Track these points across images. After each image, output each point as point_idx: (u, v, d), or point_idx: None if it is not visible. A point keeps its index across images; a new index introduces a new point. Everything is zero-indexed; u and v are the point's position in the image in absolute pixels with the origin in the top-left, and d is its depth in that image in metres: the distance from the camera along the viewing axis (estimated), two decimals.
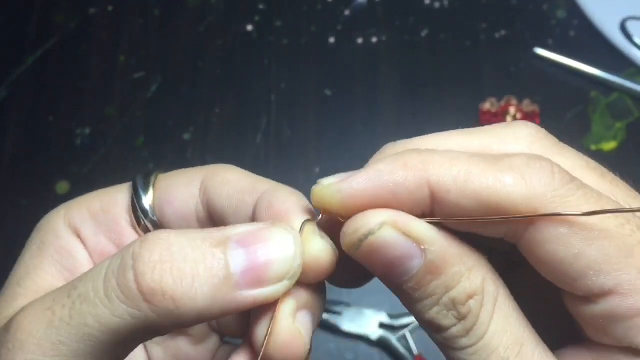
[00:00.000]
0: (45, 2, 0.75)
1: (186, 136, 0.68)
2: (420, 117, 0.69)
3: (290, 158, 0.67)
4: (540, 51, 0.70)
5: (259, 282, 0.27)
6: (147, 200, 0.34)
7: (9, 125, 0.69)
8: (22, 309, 0.29)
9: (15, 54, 0.72)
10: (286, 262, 0.28)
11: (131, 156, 0.68)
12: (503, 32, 0.72)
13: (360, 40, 0.73)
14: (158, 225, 0.34)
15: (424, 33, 0.73)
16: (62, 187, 0.66)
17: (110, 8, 0.75)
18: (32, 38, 0.73)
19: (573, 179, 0.27)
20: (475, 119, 0.68)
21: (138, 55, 0.72)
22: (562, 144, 0.32)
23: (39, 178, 0.67)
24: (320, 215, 0.29)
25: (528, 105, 0.68)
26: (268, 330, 0.28)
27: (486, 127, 0.31)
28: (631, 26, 0.70)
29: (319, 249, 0.29)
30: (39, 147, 0.68)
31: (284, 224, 0.29)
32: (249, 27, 0.74)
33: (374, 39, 0.73)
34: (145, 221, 0.34)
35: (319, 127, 0.69)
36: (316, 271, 0.29)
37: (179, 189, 0.34)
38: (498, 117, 0.67)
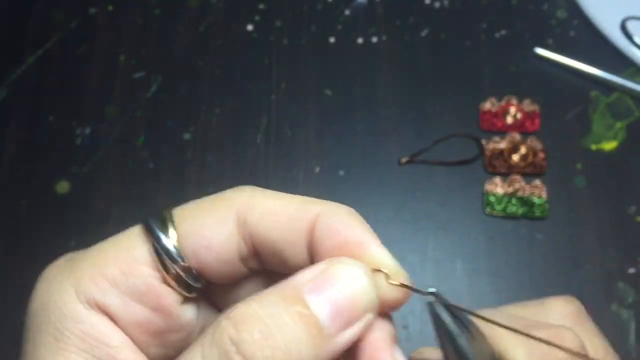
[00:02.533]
0: (45, 2, 0.75)
1: (186, 136, 0.68)
2: (420, 117, 0.69)
3: (290, 158, 0.67)
4: (541, 51, 0.70)
5: (347, 322, 0.27)
6: (170, 242, 0.30)
7: (8, 125, 0.69)
8: None
9: (15, 54, 0.72)
10: (365, 294, 0.27)
11: (131, 156, 0.68)
12: (503, 32, 0.72)
13: (360, 40, 0.73)
14: (192, 272, 0.30)
15: (424, 33, 0.73)
16: (62, 187, 0.66)
17: (110, 8, 0.75)
18: (32, 38, 0.73)
19: None
20: (476, 118, 0.68)
21: (138, 55, 0.72)
22: (589, 324, 0.37)
23: (39, 178, 0.67)
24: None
25: (528, 105, 0.68)
26: None
27: (530, 302, 0.37)
28: (631, 26, 0.70)
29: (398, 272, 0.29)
30: (39, 147, 0.68)
31: (344, 258, 0.28)
32: (249, 27, 0.74)
33: (374, 39, 0.73)
34: (175, 267, 0.29)
35: (319, 127, 0.69)
36: (392, 304, 0.29)
37: (213, 228, 0.30)
38: (498, 116, 0.67)
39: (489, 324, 0.31)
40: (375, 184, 0.66)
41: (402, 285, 0.30)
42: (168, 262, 0.29)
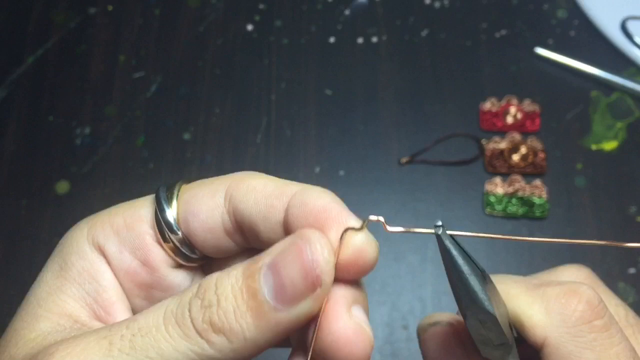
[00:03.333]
0: (45, 2, 0.75)
1: (186, 136, 0.68)
2: (420, 116, 0.69)
3: (290, 158, 0.67)
4: (541, 51, 0.70)
5: (293, 297, 0.27)
6: (171, 213, 0.33)
7: (8, 125, 0.69)
8: (63, 342, 0.28)
9: (15, 54, 0.72)
10: (313, 268, 0.28)
11: (131, 156, 0.68)
12: (503, 32, 0.72)
13: (360, 40, 0.73)
14: (184, 240, 0.33)
15: (424, 33, 0.73)
16: (62, 186, 0.66)
17: (110, 8, 0.74)
18: (32, 37, 0.73)
19: (592, 319, 0.30)
20: (476, 118, 0.68)
21: (138, 55, 0.72)
22: (603, 287, 0.36)
23: (39, 178, 0.67)
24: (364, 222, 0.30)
25: (529, 105, 0.68)
26: (314, 334, 0.28)
27: (538, 275, 0.37)
28: (631, 26, 0.70)
29: (363, 241, 0.30)
30: (39, 146, 0.68)
31: (304, 231, 0.29)
32: (249, 27, 0.74)
33: (374, 39, 0.73)
34: (171, 236, 0.33)
35: (319, 127, 0.69)
36: (361, 265, 0.30)
37: (204, 199, 0.33)
38: (498, 116, 0.67)
39: (502, 281, 0.32)
40: (375, 184, 0.66)
41: (404, 231, 0.31)
42: (166, 230, 0.32)
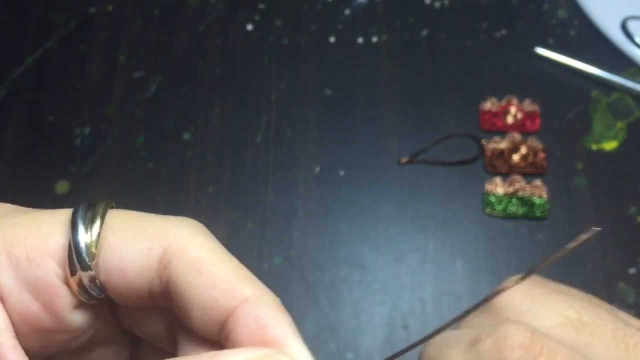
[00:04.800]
0: (44, 2, 0.75)
1: (186, 136, 0.68)
2: (420, 116, 0.69)
3: (290, 158, 0.67)
4: (541, 51, 0.70)
5: None
6: (87, 245, 0.27)
7: (8, 125, 0.69)
8: None
9: (15, 54, 0.72)
10: None
11: (131, 156, 0.68)
12: (503, 32, 0.72)
13: (360, 40, 0.73)
14: (97, 283, 0.28)
15: (424, 33, 0.73)
16: (62, 186, 0.66)
17: (110, 7, 0.74)
18: (32, 37, 0.73)
19: None
20: (476, 118, 0.68)
21: (138, 55, 0.72)
22: (543, 296, 0.34)
23: (39, 178, 0.67)
24: None
25: (529, 105, 0.68)
26: None
27: (480, 309, 0.33)
28: (632, 26, 0.70)
29: None
30: (39, 146, 0.68)
31: (285, 355, 0.26)
32: (249, 27, 0.73)
33: (374, 39, 0.72)
34: (83, 276, 0.27)
35: (319, 127, 0.69)
36: None
37: (135, 256, 0.27)
38: (499, 116, 0.67)
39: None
40: (375, 184, 0.66)
41: None
42: (77, 266, 0.27)
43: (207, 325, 0.27)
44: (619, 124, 0.67)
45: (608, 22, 0.70)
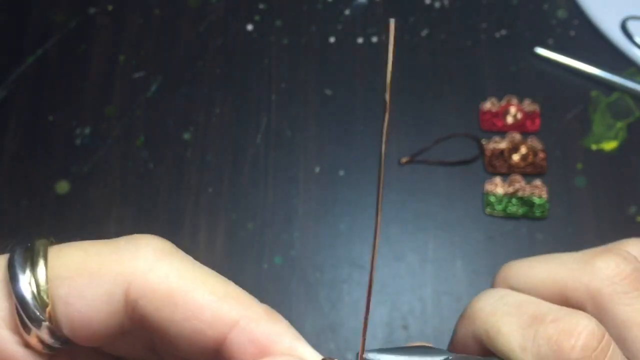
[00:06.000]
0: (45, 2, 0.75)
1: (186, 136, 0.68)
2: (420, 117, 0.69)
3: (290, 158, 0.67)
4: (541, 51, 0.70)
5: None
6: (28, 293, 0.23)
7: (8, 125, 0.69)
8: None
9: (15, 54, 0.72)
10: None
11: (131, 156, 0.68)
12: (503, 32, 0.72)
13: (360, 40, 0.73)
14: (57, 334, 0.24)
15: (424, 33, 0.73)
16: (62, 187, 0.66)
17: (110, 8, 0.74)
18: (32, 38, 0.73)
19: None
20: (476, 118, 0.68)
21: (138, 55, 0.72)
22: None
23: (39, 178, 0.67)
24: None
25: (529, 105, 0.68)
26: None
27: (576, 256, 0.31)
28: (632, 26, 0.70)
29: None
30: (39, 146, 0.68)
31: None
32: (249, 27, 0.74)
33: (374, 39, 0.72)
34: (40, 333, 0.23)
35: (319, 127, 0.69)
36: None
37: (95, 307, 0.24)
38: (498, 116, 0.67)
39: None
40: (375, 184, 0.66)
41: None
42: (29, 325, 0.23)
43: (197, 353, 0.24)
44: (619, 124, 0.67)
45: (608, 22, 0.70)
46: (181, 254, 0.25)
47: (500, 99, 0.68)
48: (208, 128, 0.69)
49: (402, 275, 0.62)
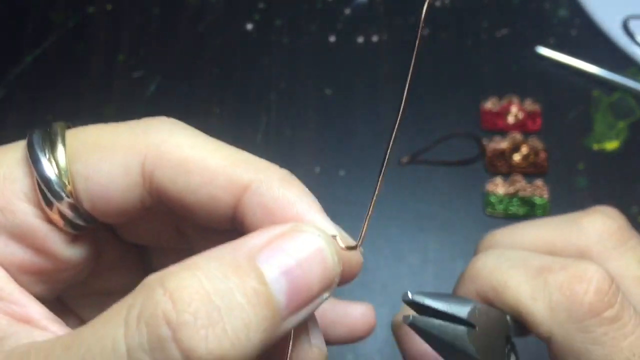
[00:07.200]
0: (43, 1, 0.74)
1: None
2: (420, 117, 0.68)
3: (290, 158, 0.67)
4: (542, 50, 0.70)
5: (304, 302, 0.22)
6: (54, 173, 0.24)
7: (7, 124, 0.69)
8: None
9: (14, 53, 0.72)
10: (328, 270, 0.23)
11: None
12: (504, 31, 0.72)
13: (360, 40, 0.72)
14: (79, 210, 0.25)
15: (424, 32, 0.72)
16: None
17: (109, 7, 0.74)
18: (31, 37, 0.73)
19: (601, 311, 0.27)
20: (477, 118, 0.68)
21: (137, 55, 0.72)
22: (632, 242, 0.31)
23: None
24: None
25: (530, 105, 0.67)
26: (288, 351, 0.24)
27: (562, 218, 0.32)
28: (633, 25, 0.69)
29: (355, 258, 0.26)
30: None
31: (303, 225, 0.24)
32: (249, 26, 0.73)
33: (375, 38, 0.72)
34: (62, 207, 0.24)
35: (319, 127, 0.68)
36: (345, 277, 0.26)
37: (112, 178, 0.24)
38: (500, 116, 0.67)
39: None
40: (376, 184, 0.66)
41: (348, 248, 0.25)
42: (52, 199, 0.24)
43: (215, 221, 0.25)
44: (621, 124, 0.67)
45: (609, 22, 0.70)
46: (193, 129, 0.27)
47: (501, 98, 0.68)
48: (208, 128, 0.68)
49: (403, 275, 0.62)
